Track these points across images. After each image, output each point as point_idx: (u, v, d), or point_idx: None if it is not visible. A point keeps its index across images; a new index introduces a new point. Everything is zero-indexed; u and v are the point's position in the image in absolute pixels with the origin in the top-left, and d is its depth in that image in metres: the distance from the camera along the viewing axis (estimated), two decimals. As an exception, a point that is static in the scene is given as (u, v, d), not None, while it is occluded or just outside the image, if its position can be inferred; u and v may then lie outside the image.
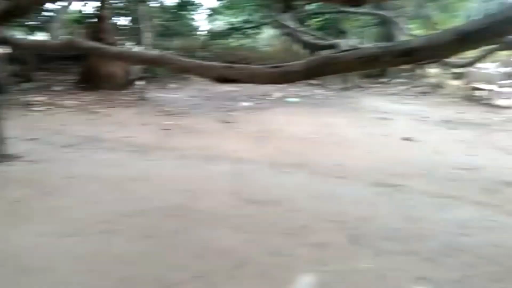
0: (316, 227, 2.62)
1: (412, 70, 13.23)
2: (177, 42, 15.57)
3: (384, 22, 13.86)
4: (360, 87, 12.42)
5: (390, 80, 13.39)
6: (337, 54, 3.57)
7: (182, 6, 15.86)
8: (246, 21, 17.03)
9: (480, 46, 3.73)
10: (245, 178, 3.62)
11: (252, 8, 16.20)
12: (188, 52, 14.63)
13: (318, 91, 11.24)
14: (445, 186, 3.56)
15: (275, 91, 10.24)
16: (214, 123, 6.49)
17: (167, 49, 13.68)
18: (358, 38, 15.03)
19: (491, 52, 9.43)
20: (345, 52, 3.54)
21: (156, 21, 14.41)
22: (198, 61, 4.62)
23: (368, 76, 14.32)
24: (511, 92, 9.49)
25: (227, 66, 4.16)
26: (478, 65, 12.29)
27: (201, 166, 4.00)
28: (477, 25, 2.84)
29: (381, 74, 14.41)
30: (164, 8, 15.73)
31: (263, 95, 9.60)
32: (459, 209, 3.04)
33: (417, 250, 2.35)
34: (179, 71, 7.55)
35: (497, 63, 11.22)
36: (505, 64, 12.50)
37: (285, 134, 5.75)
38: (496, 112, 8.43)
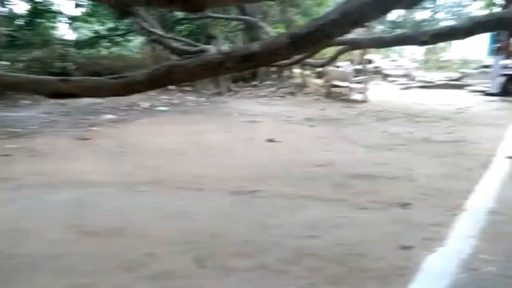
0: (161, 253, 2.36)
1: (280, 71, 13.87)
2: (31, 53, 13.88)
3: (250, 27, 14.23)
4: (232, 91, 12.58)
5: (260, 83, 13.82)
6: (181, 62, 3.36)
7: (36, 14, 14.15)
8: (113, 29, 15.99)
9: (314, 49, 3.90)
10: (90, 206, 3.18)
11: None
12: (45, 64, 13.18)
13: (190, 98, 11.03)
14: (300, 186, 3.62)
15: (144, 100, 9.72)
16: (68, 142, 5.78)
17: (15, 61, 12.10)
18: (229, 43, 15.24)
19: (344, 51, 10.31)
20: (189, 59, 3.38)
21: (2, 31, 12.65)
22: (28, 75, 4.03)
23: (240, 79, 14.63)
24: (363, 88, 10.50)
25: (63, 79, 3.65)
26: (338, 63, 13.41)
27: (38, 196, 3.43)
28: (306, 28, 2.90)
29: (252, 77, 14.84)
30: (12, 16, 13.85)
31: (130, 106, 9.01)
32: (311, 209, 3.07)
33: (266, 263, 2.25)
34: (5, 88, 6.62)
35: (349, 61, 12.37)
36: (357, 62, 13.88)
37: (148, 147, 5.38)
38: (351, 107, 9.22)
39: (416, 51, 29.97)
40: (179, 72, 3.26)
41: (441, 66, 23.53)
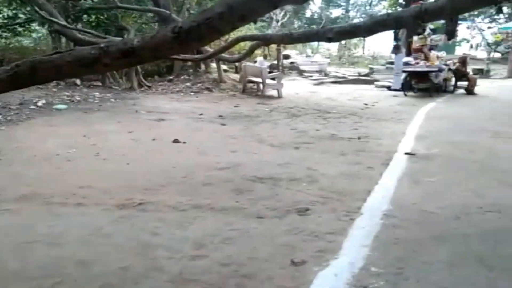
0: (8, 294, 1.93)
1: (196, 66, 13.44)
2: None
3: (165, 19, 13.54)
4: (145, 86, 11.91)
5: (176, 77, 13.30)
6: (49, 57, 2.88)
7: None
8: (11, 17, 14.25)
9: (201, 44, 3.58)
10: None
11: (17, 2, 13.48)
12: None
13: (96, 93, 10.18)
14: (198, 194, 3.33)
15: (40, 97, 8.75)
16: None
17: None
18: (140, 35, 14.42)
19: (256, 46, 10.19)
20: (60, 54, 2.91)
21: None
22: None
23: (156, 73, 13.97)
24: (277, 83, 10.49)
25: None
26: (257, 59, 13.31)
27: None
28: (192, 22, 2.60)
29: (168, 71, 14.25)
30: None
31: (22, 104, 8.02)
32: (204, 222, 2.79)
33: (138, 296, 1.93)
34: None
35: (263, 57, 12.35)
36: (274, 57, 13.93)
37: (34, 153, 4.71)
38: (265, 103, 9.13)
39: (331, 47, 31.30)
40: (45, 69, 2.77)
41: (354, 62, 24.75)
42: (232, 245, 2.45)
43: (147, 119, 7.07)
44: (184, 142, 5.23)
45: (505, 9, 28.06)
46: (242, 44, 11.60)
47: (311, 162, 4.29)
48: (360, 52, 29.77)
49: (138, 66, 11.94)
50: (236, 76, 13.59)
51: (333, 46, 31.57)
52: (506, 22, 26.94)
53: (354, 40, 29.74)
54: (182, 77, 13.39)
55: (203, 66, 13.43)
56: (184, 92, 11.25)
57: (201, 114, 7.49)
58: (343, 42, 28.90)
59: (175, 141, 5.28)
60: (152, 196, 3.24)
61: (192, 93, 11.10)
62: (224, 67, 15.01)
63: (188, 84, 12.35)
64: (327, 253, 2.33)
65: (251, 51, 10.52)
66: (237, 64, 13.81)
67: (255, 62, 12.67)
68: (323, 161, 4.36)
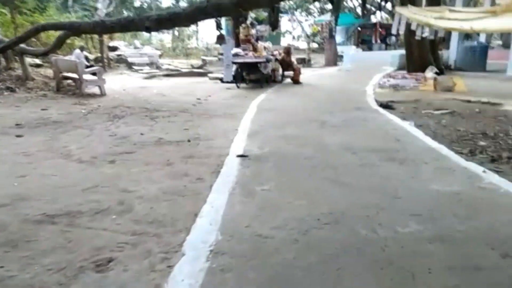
0: None
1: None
2: None
3: None
4: None
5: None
6: None
7: None
8: None
9: None
10: None
11: None
12: None
13: None
14: None
15: None
16: None
17: None
18: None
19: (65, 37, 8.61)
20: None
21: None
22: None
23: None
24: (98, 79, 9.14)
25: None
26: (77, 51, 11.45)
27: None
28: None
29: None
30: None
31: None
32: None
33: None
34: None
35: (80, 48, 10.71)
36: (99, 49, 12.27)
37: None
38: (83, 104, 7.79)
39: (164, 38, 30.24)
40: None
41: (188, 54, 24.26)
42: None
43: None
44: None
45: (317, 4, 31.33)
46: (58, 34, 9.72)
47: (127, 181, 3.45)
48: (194, 43, 29.54)
49: None
50: (51, 72, 11.56)
51: (167, 37, 30.60)
52: (319, 15, 30.19)
53: (188, 31, 29.31)
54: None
55: (2, 61, 10.98)
56: (-24, 95, 8.91)
57: (-7, 124, 5.81)
58: (176, 32, 28.18)
59: None
60: None
61: (-11, 96, 8.86)
62: (37, 61, 12.69)
63: (-19, 84, 9.88)
64: None
65: (59, 42, 8.94)
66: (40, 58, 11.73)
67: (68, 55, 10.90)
68: (143, 178, 3.56)
